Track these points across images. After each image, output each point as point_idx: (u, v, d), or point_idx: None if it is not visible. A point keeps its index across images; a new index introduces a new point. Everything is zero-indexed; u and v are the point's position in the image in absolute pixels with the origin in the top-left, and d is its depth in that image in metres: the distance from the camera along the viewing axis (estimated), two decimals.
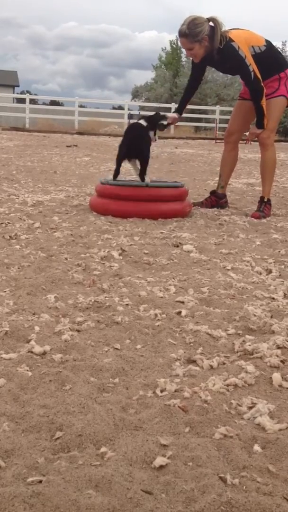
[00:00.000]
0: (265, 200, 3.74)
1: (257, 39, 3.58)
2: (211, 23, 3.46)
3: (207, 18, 3.48)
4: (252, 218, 3.56)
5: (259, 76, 3.46)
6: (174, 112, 3.96)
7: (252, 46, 3.50)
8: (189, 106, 4.14)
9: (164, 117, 3.64)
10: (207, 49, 3.49)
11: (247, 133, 3.91)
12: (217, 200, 4.04)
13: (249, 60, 3.44)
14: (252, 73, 3.45)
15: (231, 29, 3.56)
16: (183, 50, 3.76)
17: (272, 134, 3.69)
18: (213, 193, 4.08)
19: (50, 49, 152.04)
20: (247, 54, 3.44)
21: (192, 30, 3.43)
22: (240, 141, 4.12)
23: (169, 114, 3.81)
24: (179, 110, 3.96)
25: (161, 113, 3.68)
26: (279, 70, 3.59)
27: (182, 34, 3.49)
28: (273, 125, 3.65)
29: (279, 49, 3.87)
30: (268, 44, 3.60)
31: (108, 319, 1.72)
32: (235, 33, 3.52)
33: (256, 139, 3.74)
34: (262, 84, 3.48)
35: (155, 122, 3.55)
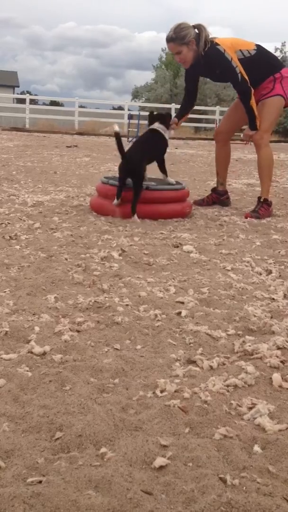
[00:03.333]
0: (261, 200, 3.74)
1: (246, 43, 3.62)
2: (196, 30, 3.54)
3: (192, 25, 3.56)
4: (246, 218, 3.57)
5: (246, 78, 3.49)
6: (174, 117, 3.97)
7: (240, 50, 3.54)
8: None
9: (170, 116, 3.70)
10: (196, 54, 3.54)
11: (241, 135, 3.91)
12: (218, 197, 4.10)
13: (236, 62, 3.48)
14: (239, 75, 3.48)
15: (216, 37, 3.62)
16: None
17: (265, 135, 3.69)
18: (214, 190, 4.14)
19: (48, 49, 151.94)
20: (233, 57, 3.48)
21: (178, 34, 3.51)
22: (240, 142, 4.13)
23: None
24: (178, 117, 3.96)
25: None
26: (273, 71, 3.61)
27: (169, 39, 3.58)
28: (266, 125, 3.65)
29: (278, 50, 3.88)
30: (259, 48, 3.63)
31: (108, 320, 1.72)
32: (220, 39, 3.59)
33: (250, 140, 3.75)
34: (249, 85, 3.50)
35: (168, 121, 3.63)
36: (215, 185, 4.19)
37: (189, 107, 4.00)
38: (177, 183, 3.63)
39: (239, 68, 3.47)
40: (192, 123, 20.41)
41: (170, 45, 3.61)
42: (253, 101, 3.53)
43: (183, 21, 3.59)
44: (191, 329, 1.67)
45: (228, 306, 1.89)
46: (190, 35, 3.49)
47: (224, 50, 3.47)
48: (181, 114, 3.96)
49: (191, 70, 3.74)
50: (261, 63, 3.57)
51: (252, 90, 3.52)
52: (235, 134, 4.36)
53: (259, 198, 3.78)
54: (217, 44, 3.50)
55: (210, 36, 3.54)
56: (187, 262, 2.46)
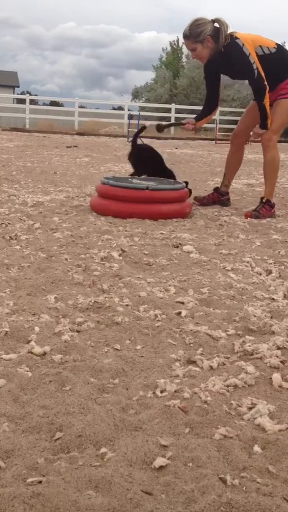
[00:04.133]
0: (264, 200, 3.74)
1: (267, 41, 3.56)
2: (216, 24, 3.46)
3: (211, 20, 3.48)
4: (246, 217, 3.57)
5: (263, 75, 3.42)
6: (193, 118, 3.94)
7: (260, 46, 3.47)
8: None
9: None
10: (212, 50, 3.48)
11: (251, 133, 3.88)
12: (219, 196, 4.10)
13: (253, 58, 3.41)
14: (256, 71, 3.41)
15: (236, 31, 3.54)
16: (186, 51, 3.79)
17: (274, 136, 3.65)
18: (216, 190, 4.14)
19: (48, 49, 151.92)
20: (251, 52, 3.41)
21: (194, 31, 3.44)
22: None
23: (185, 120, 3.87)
24: (197, 118, 3.92)
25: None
26: None
27: (184, 35, 3.52)
28: (276, 126, 3.60)
29: None
30: (279, 47, 3.57)
31: (108, 320, 1.72)
32: (241, 33, 3.51)
33: (259, 139, 3.72)
34: (265, 82, 3.44)
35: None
36: (218, 185, 4.19)
37: (209, 109, 3.90)
38: (177, 182, 3.64)
39: (256, 64, 3.41)
40: None
41: (186, 41, 3.56)
42: (266, 100, 3.47)
43: (202, 16, 3.51)
44: (191, 329, 1.67)
45: (228, 306, 1.89)
46: (206, 32, 3.42)
47: (243, 44, 3.41)
48: (200, 116, 3.90)
49: (210, 66, 3.66)
50: (280, 62, 3.51)
51: (267, 88, 3.46)
52: None
53: (261, 198, 3.78)
54: (236, 38, 3.44)
55: (231, 30, 3.47)
56: (187, 262, 2.46)
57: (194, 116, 3.99)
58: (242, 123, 3.99)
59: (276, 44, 3.59)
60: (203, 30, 3.43)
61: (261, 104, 3.51)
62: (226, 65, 3.57)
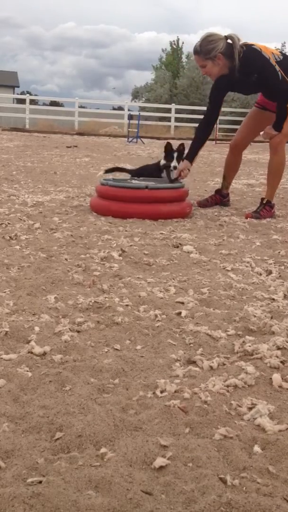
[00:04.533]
0: (264, 202, 3.73)
1: (273, 49, 3.51)
2: (229, 41, 3.35)
3: (224, 36, 3.38)
4: (246, 218, 3.57)
5: (286, 78, 3.35)
6: (184, 158, 3.71)
7: (272, 53, 3.42)
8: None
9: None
10: (222, 68, 3.38)
11: (261, 133, 3.81)
12: (221, 198, 4.12)
13: (273, 62, 3.34)
14: (280, 73, 3.33)
15: (247, 42, 3.46)
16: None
17: (285, 139, 3.61)
18: (218, 192, 4.14)
19: (48, 49, 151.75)
20: (270, 56, 3.35)
21: (204, 47, 3.35)
22: None
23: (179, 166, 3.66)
24: (189, 158, 3.70)
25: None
26: None
27: (195, 51, 3.45)
28: (287, 130, 3.55)
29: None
30: (284, 54, 3.53)
31: (108, 320, 1.72)
32: (252, 42, 3.44)
33: (268, 139, 3.68)
34: None
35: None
36: (219, 187, 4.18)
37: (208, 132, 3.79)
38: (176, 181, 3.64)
39: (278, 67, 3.33)
40: (192, 124, 20.43)
41: (196, 57, 3.47)
42: None
43: (214, 32, 3.41)
44: (191, 329, 1.67)
45: (228, 307, 1.89)
46: (217, 49, 3.32)
47: (261, 49, 3.35)
48: (197, 145, 3.73)
49: (221, 84, 3.54)
50: (287, 69, 3.41)
51: None
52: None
53: (262, 199, 3.77)
54: (252, 44, 3.38)
55: (241, 42, 3.37)
56: (187, 262, 2.46)
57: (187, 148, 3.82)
58: (243, 132, 3.95)
59: (280, 51, 3.57)
60: (215, 47, 3.33)
61: (284, 107, 3.42)
62: (243, 79, 3.43)
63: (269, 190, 3.76)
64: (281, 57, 3.47)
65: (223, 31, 3.73)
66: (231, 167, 4.12)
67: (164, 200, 3.44)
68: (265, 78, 3.41)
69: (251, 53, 3.35)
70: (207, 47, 3.35)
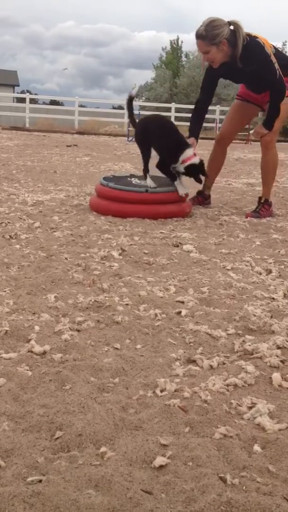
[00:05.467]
0: (262, 201, 3.73)
1: (268, 41, 3.44)
2: (231, 27, 3.29)
3: (228, 22, 3.31)
4: (247, 218, 3.56)
5: (283, 76, 3.33)
6: (189, 137, 3.66)
7: (270, 47, 3.38)
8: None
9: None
10: (225, 54, 3.32)
11: (251, 131, 3.81)
12: (203, 200, 4.02)
13: (274, 59, 3.30)
14: (278, 71, 3.30)
15: (249, 32, 3.38)
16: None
17: (275, 136, 3.62)
18: (200, 193, 4.04)
19: (48, 48, 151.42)
20: (271, 52, 3.31)
21: (210, 32, 3.26)
22: (240, 142, 4.09)
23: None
24: (195, 134, 3.66)
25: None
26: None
27: (198, 35, 3.32)
28: (277, 126, 3.57)
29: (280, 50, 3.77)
30: (276, 48, 3.51)
31: (108, 319, 1.72)
32: (255, 33, 3.37)
33: (258, 138, 3.68)
34: (286, 84, 3.35)
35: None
36: (201, 189, 4.04)
37: (202, 117, 3.75)
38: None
39: (277, 65, 3.30)
40: None
41: (199, 42, 3.33)
42: (282, 101, 3.38)
43: (217, 17, 3.31)
44: (191, 329, 1.67)
45: (228, 306, 1.89)
46: (223, 35, 3.24)
47: (264, 44, 3.29)
48: (196, 130, 3.70)
49: (218, 70, 3.48)
50: (280, 62, 3.38)
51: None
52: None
53: (259, 198, 3.77)
54: (255, 37, 3.32)
55: (244, 31, 3.29)
56: (187, 261, 2.46)
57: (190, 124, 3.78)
58: (229, 125, 3.90)
59: (274, 46, 3.53)
60: (220, 33, 3.23)
61: (277, 106, 3.40)
62: (239, 69, 3.39)
63: (265, 188, 3.75)
64: (274, 50, 3.45)
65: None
66: (215, 164, 4.01)
67: (163, 202, 3.43)
68: (264, 73, 3.37)
69: (255, 46, 3.30)
70: (212, 32, 3.25)
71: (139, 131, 3.64)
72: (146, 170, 3.55)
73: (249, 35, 3.33)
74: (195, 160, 3.38)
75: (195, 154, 3.40)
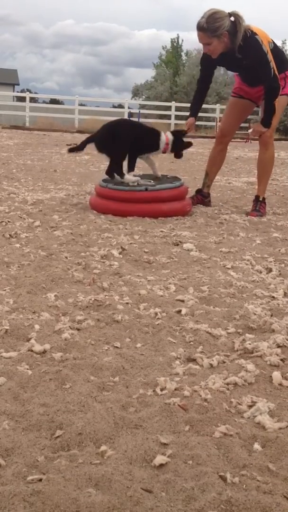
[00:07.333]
0: (260, 199, 3.73)
1: (268, 35, 3.44)
2: (232, 18, 3.28)
3: (228, 13, 3.30)
4: (252, 217, 3.56)
5: (277, 74, 3.34)
6: (189, 116, 3.84)
7: (269, 42, 3.38)
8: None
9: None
10: (226, 45, 3.32)
11: (249, 131, 3.84)
12: (203, 199, 4.00)
13: (270, 57, 3.31)
14: (272, 70, 3.30)
15: (250, 25, 3.37)
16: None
17: (273, 133, 3.65)
18: (199, 191, 4.03)
19: (47, 47, 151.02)
20: (268, 50, 3.31)
21: (211, 25, 3.24)
22: (240, 141, 4.10)
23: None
24: (195, 114, 3.84)
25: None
26: (285, 69, 3.51)
27: (200, 27, 3.28)
28: (275, 123, 3.58)
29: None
30: (274, 43, 3.50)
31: (108, 318, 1.72)
32: (255, 27, 3.36)
33: (257, 137, 3.69)
34: (280, 82, 3.37)
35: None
36: (201, 187, 4.06)
37: (203, 94, 3.83)
38: (176, 179, 3.64)
39: (273, 63, 3.30)
40: None
41: (200, 34, 3.32)
42: (277, 99, 3.40)
43: (218, 8, 3.30)
44: (191, 327, 1.67)
45: (228, 304, 1.89)
46: (224, 27, 3.23)
47: (262, 42, 3.28)
48: (196, 110, 3.84)
49: (216, 60, 3.48)
50: (276, 58, 3.39)
51: (281, 88, 3.39)
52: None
53: (257, 196, 3.76)
54: (255, 34, 3.30)
55: (245, 23, 3.29)
56: (187, 260, 2.46)
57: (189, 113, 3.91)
58: (228, 122, 3.92)
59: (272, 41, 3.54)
60: (222, 25, 3.22)
61: (271, 104, 3.41)
62: (236, 60, 3.39)
63: (263, 186, 3.75)
64: (273, 44, 3.45)
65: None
66: (215, 161, 4.01)
67: (163, 200, 3.44)
68: (260, 72, 3.39)
69: (254, 43, 3.29)
70: (214, 25, 3.23)
71: (108, 138, 3.90)
72: (121, 170, 3.62)
73: (249, 29, 3.32)
74: (170, 137, 3.63)
75: (166, 135, 3.64)
